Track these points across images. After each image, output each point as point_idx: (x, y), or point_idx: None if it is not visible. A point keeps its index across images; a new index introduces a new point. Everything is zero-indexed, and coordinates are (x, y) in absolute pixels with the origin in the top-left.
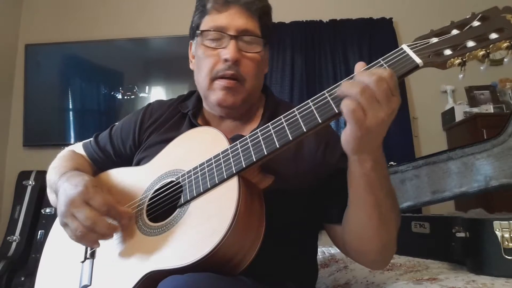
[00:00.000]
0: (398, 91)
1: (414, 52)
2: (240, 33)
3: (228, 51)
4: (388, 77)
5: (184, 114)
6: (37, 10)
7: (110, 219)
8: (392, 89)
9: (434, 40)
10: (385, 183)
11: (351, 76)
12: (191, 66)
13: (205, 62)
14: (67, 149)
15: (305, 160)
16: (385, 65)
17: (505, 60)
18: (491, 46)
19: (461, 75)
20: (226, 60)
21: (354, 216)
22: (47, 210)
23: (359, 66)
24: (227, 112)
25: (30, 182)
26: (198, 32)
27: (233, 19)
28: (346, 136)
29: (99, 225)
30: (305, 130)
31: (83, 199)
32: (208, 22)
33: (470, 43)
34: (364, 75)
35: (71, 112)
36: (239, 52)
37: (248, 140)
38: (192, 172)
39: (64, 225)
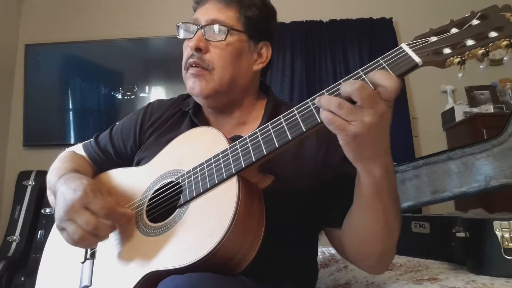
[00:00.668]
0: (394, 98)
1: (413, 51)
2: (208, 23)
3: (191, 40)
4: (389, 86)
5: (184, 113)
6: (37, 10)
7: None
8: (387, 96)
9: (434, 38)
10: (393, 190)
11: (349, 76)
12: None
13: (183, 54)
14: (67, 150)
15: (305, 161)
16: (384, 64)
17: (504, 58)
18: (490, 44)
19: (461, 74)
20: (190, 49)
21: (359, 221)
22: (47, 210)
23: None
24: (205, 102)
25: (30, 182)
26: (176, 26)
27: (206, 11)
28: (341, 145)
29: (99, 229)
30: (304, 130)
31: (82, 203)
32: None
33: (470, 42)
34: (348, 84)
35: (71, 112)
36: (204, 41)
37: (248, 140)
38: (192, 172)
39: (61, 229)
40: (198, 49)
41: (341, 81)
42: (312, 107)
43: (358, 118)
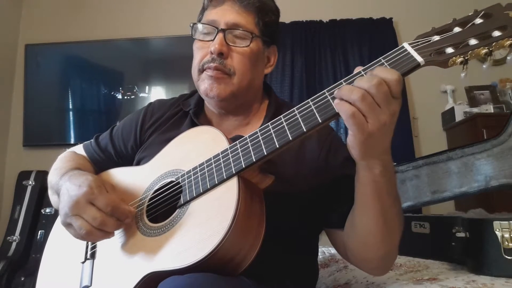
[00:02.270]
0: (401, 93)
1: (416, 50)
2: (229, 26)
3: (213, 44)
4: (391, 79)
5: (185, 113)
6: (37, 10)
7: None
8: (393, 92)
9: (436, 38)
10: (392, 190)
11: (350, 75)
12: None
13: (196, 54)
14: (68, 150)
15: (306, 162)
16: (386, 64)
17: (508, 58)
18: (494, 44)
19: (463, 74)
20: (211, 53)
21: (359, 222)
22: (47, 210)
23: (359, 70)
24: (219, 104)
25: (30, 182)
26: (190, 25)
27: (225, 13)
28: (350, 142)
29: (106, 225)
30: (305, 130)
31: (88, 199)
32: (204, 17)
33: (473, 41)
34: (364, 80)
35: (71, 112)
36: (226, 45)
37: (248, 140)
38: (192, 172)
39: (67, 225)
40: (220, 54)
41: (342, 80)
42: (313, 107)
43: (376, 116)
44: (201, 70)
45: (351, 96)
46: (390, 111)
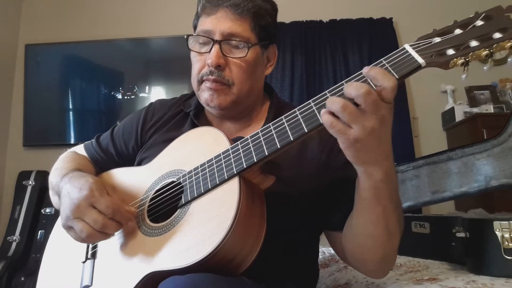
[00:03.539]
0: (393, 99)
1: (417, 52)
2: (225, 37)
3: (209, 56)
4: (386, 86)
5: (186, 114)
6: (37, 10)
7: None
8: (386, 98)
9: (437, 39)
10: (394, 195)
11: (352, 76)
12: None
13: (194, 66)
14: (69, 150)
15: (308, 163)
16: (387, 65)
17: (509, 60)
18: (494, 45)
19: (464, 75)
20: (208, 65)
21: (359, 225)
22: (47, 210)
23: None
24: (220, 112)
25: (30, 182)
26: (185, 37)
27: (219, 22)
28: (342, 149)
29: (107, 227)
30: (306, 130)
31: (89, 202)
32: (199, 26)
33: (474, 43)
34: (353, 87)
35: (71, 112)
36: (222, 57)
37: (249, 140)
38: (193, 173)
39: (68, 228)
40: (217, 66)
41: (344, 81)
42: (314, 107)
43: (360, 122)
44: (200, 82)
45: (332, 107)
46: (378, 116)
